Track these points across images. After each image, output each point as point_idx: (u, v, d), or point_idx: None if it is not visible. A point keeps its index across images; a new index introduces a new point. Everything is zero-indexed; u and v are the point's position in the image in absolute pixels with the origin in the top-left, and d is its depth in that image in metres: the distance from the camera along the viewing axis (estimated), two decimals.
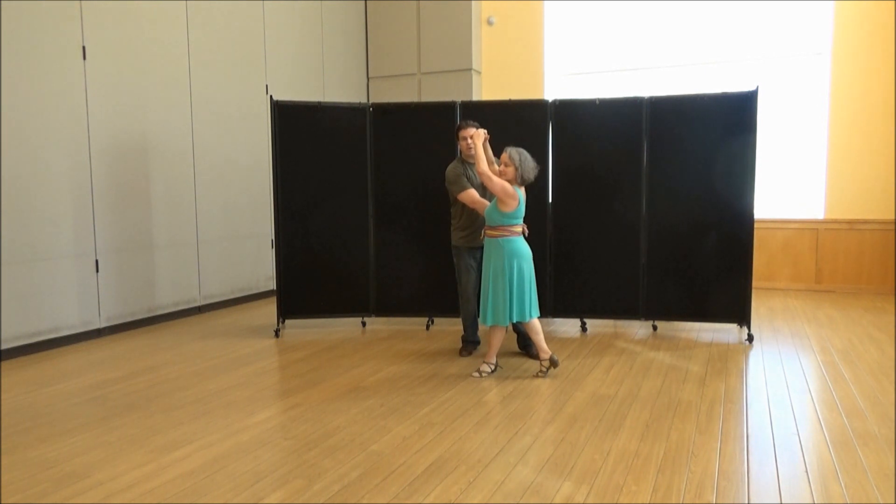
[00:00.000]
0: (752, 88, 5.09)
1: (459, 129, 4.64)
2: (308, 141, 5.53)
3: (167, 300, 6.23)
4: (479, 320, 4.47)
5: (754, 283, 5.40)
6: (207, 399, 3.90)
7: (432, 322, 5.84)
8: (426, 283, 5.62)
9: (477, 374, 4.31)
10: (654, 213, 5.37)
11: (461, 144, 4.65)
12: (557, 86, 8.62)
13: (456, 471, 2.88)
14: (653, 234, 5.38)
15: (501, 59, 8.85)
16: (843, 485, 2.73)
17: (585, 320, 5.67)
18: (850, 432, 3.29)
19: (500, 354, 4.60)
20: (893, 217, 7.23)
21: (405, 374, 4.39)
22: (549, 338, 5.35)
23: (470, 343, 4.92)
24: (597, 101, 5.41)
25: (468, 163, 4.67)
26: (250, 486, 2.75)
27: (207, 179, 6.66)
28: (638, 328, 5.67)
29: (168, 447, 3.17)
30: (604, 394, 3.92)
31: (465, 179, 4.62)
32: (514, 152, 4.22)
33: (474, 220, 4.65)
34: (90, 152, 5.48)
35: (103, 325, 5.62)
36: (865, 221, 7.34)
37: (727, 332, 5.48)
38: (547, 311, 5.56)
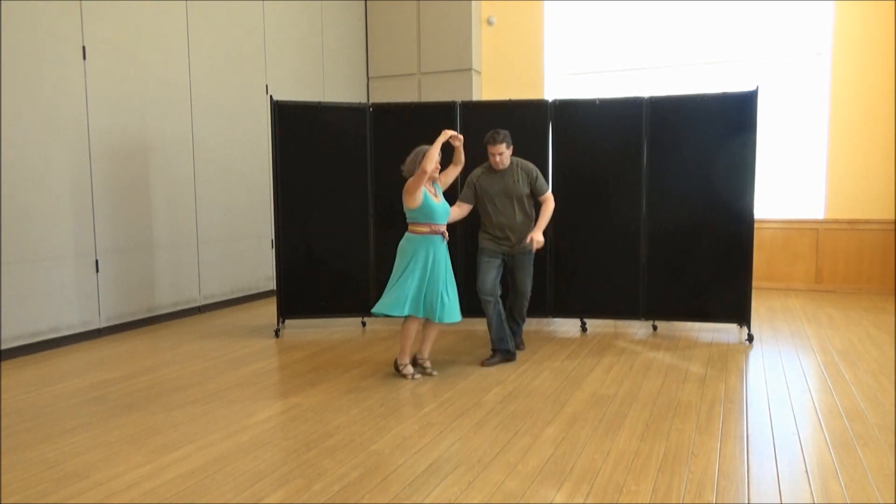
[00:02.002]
0: (752, 88, 5.09)
1: (486, 143, 4.50)
2: (308, 141, 5.53)
3: (167, 300, 6.23)
4: (392, 311, 4.16)
5: (754, 283, 5.39)
6: (207, 399, 3.90)
7: None
8: None
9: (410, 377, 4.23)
10: (654, 212, 5.37)
11: (491, 160, 4.53)
12: (557, 86, 8.61)
13: (456, 471, 2.88)
14: (653, 233, 5.38)
15: (501, 59, 8.85)
16: (843, 485, 2.73)
17: (585, 320, 5.67)
18: (850, 432, 3.29)
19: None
20: (893, 217, 7.23)
21: None
22: (550, 338, 5.37)
23: (499, 353, 4.53)
24: (597, 101, 5.41)
25: (494, 171, 4.57)
26: (250, 486, 2.75)
27: (207, 179, 6.66)
28: (638, 328, 5.67)
29: (168, 447, 3.17)
30: (604, 394, 3.92)
31: (473, 186, 4.59)
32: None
33: (494, 223, 4.58)
34: (90, 152, 5.48)
35: (103, 325, 5.62)
36: (865, 221, 7.34)
37: (727, 332, 5.48)
38: (547, 310, 5.57)
